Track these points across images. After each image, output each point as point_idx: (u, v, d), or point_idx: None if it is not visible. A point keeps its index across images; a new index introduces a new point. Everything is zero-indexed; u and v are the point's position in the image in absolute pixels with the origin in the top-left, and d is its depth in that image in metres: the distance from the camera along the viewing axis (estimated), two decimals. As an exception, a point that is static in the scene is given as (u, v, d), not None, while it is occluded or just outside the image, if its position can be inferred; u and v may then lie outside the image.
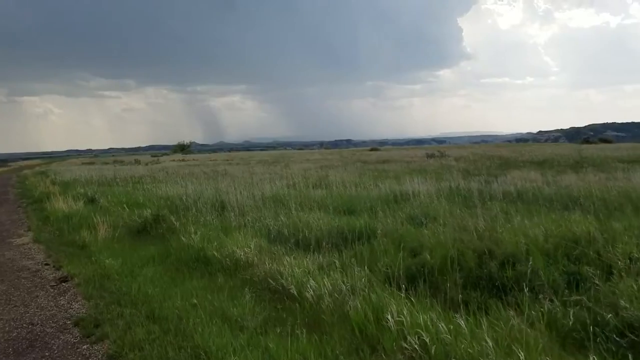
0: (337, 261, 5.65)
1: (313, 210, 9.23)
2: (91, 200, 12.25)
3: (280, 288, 5.17)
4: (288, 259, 5.77)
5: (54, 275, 6.38)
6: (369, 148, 55.53)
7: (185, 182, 15.81)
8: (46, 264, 6.95)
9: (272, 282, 5.34)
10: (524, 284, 4.21)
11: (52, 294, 5.55)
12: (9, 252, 7.86)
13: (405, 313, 3.78)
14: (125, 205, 10.62)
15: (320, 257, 6.05)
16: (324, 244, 6.60)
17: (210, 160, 41.26)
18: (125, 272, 6.16)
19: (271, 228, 7.82)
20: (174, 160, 45.69)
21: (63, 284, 5.99)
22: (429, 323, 3.59)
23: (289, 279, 5.21)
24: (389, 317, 3.79)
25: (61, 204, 11.24)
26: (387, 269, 5.39)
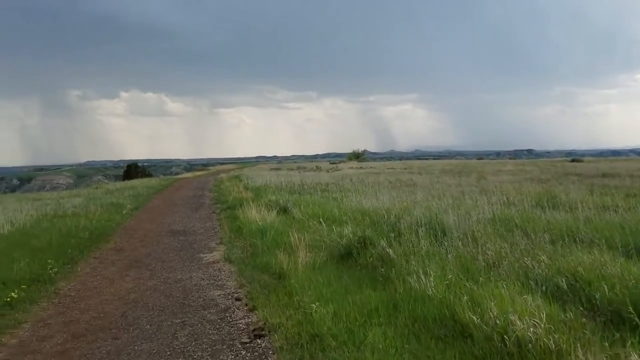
0: None
1: (572, 246, 6.25)
2: (283, 210, 10.99)
3: None
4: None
5: (246, 320, 4.67)
6: (569, 159, 47.51)
7: (376, 193, 13.86)
8: (237, 299, 5.35)
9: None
10: None
11: (244, 364, 3.75)
12: (197, 272, 6.60)
13: None
14: (321, 219, 8.98)
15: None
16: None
17: (388, 169, 39.36)
18: (343, 334, 4.11)
19: (537, 276, 5.10)
20: (351, 167, 45.15)
21: (258, 340, 4.20)
22: None
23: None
24: None
25: (254, 213, 10.14)
26: None
